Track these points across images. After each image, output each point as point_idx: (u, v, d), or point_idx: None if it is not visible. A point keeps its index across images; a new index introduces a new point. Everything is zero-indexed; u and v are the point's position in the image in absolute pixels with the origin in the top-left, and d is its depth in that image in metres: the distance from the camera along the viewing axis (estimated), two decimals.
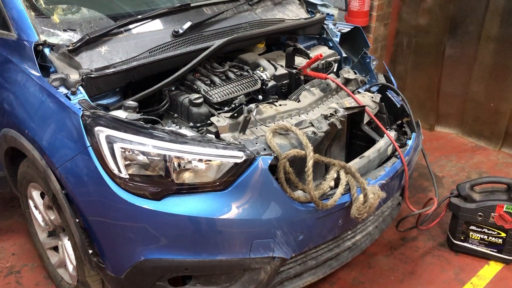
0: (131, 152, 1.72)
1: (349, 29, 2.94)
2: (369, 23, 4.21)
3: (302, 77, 2.54)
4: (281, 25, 2.62)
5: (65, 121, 1.85)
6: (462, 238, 2.64)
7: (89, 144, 1.75)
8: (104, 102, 2.11)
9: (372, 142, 2.39)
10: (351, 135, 2.53)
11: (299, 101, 2.25)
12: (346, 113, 2.15)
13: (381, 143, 2.35)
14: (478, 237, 2.61)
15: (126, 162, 1.72)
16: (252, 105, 2.01)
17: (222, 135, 1.95)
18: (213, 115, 2.17)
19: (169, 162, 1.72)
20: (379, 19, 4.22)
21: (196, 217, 1.71)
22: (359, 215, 1.87)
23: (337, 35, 2.92)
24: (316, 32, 2.92)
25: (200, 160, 1.73)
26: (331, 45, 2.94)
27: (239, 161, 1.73)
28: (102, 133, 1.74)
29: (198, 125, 2.12)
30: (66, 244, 2.17)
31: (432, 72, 4.05)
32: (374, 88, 2.74)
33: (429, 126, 4.20)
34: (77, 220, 1.85)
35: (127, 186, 1.71)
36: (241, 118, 1.98)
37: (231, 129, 1.99)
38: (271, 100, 2.20)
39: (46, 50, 2.05)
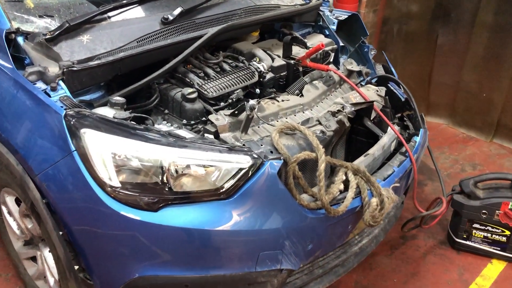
0: (123, 157, 1.52)
1: (346, 16, 2.77)
2: (358, 9, 4.05)
3: (300, 69, 2.37)
4: (277, 12, 2.43)
5: (45, 121, 1.63)
6: (464, 236, 2.55)
7: (74, 148, 1.53)
8: (87, 98, 1.90)
9: (374, 137, 2.25)
10: (351, 130, 2.38)
11: (302, 95, 2.08)
12: (353, 109, 1.99)
13: (384, 140, 2.20)
14: (481, 235, 2.52)
15: (118, 166, 1.52)
16: (254, 101, 1.83)
17: (222, 135, 1.77)
18: (208, 111, 1.98)
19: (167, 169, 1.52)
20: (368, 5, 4.07)
21: (197, 230, 1.53)
22: (375, 223, 1.73)
23: (334, 23, 2.75)
24: (312, 19, 2.74)
25: (200, 165, 1.55)
26: (327, 33, 2.77)
27: (245, 166, 1.55)
28: (89, 135, 1.53)
29: (192, 122, 1.94)
30: (47, 256, 1.95)
31: (424, 61, 3.94)
32: (373, 80, 2.59)
33: None
34: (60, 232, 1.64)
35: (119, 195, 1.51)
36: (242, 116, 1.79)
37: (232, 128, 1.80)
38: (273, 95, 2.02)
39: (20, 39, 1.82)
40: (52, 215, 1.65)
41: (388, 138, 2.22)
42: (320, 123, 1.85)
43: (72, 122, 1.55)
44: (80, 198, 1.56)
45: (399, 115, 2.61)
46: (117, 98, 1.80)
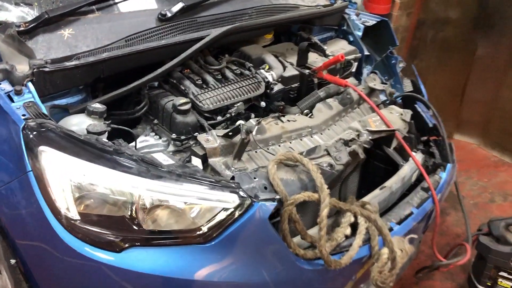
0: (84, 184, 1.27)
1: (374, 22, 2.45)
2: (390, 11, 3.70)
3: (315, 80, 2.08)
4: (295, 14, 2.13)
5: (3, 131, 1.39)
6: (488, 284, 2.23)
7: (30, 168, 1.29)
8: (63, 101, 1.65)
9: (393, 164, 1.96)
10: (368, 153, 2.09)
11: (312, 115, 1.79)
12: (370, 137, 1.69)
13: (405, 170, 1.91)
14: (508, 285, 2.20)
15: (78, 194, 1.28)
16: (253, 121, 1.56)
17: (210, 160, 1.50)
18: (202, 125, 1.72)
19: (136, 203, 1.27)
20: (402, 7, 3.71)
21: (167, 278, 1.27)
22: (383, 284, 1.44)
23: (359, 29, 2.43)
24: (335, 23, 2.44)
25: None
26: (351, 39, 2.46)
27: (230, 206, 1.29)
28: (47, 155, 1.28)
29: (183, 137, 1.68)
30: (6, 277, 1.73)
31: (459, 73, 3.59)
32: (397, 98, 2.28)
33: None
34: (12, 261, 1.42)
35: (77, 229, 1.26)
36: (237, 139, 1.52)
37: (223, 152, 1.53)
38: (277, 114, 1.73)
39: None
40: (5, 240, 1.42)
41: (409, 168, 1.93)
42: (328, 154, 1.57)
43: (30, 137, 1.30)
44: (32, 227, 1.32)
45: (425, 138, 2.30)
46: (96, 106, 1.56)
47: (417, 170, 1.95)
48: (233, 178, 1.40)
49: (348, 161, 1.57)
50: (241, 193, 1.30)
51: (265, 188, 1.39)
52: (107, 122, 1.54)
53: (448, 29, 3.58)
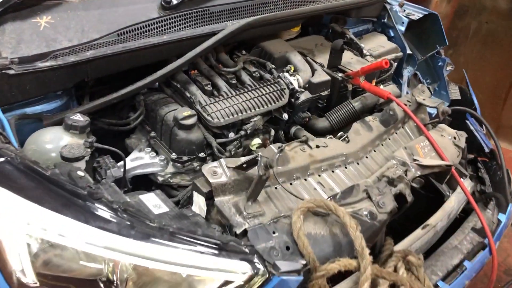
0: (45, 240, 0.95)
1: (421, 16, 2.06)
2: None
3: (349, 86, 1.72)
4: (329, 4, 1.76)
5: None
6: None
7: None
8: (37, 109, 1.32)
9: (436, 192, 1.62)
10: None
11: (347, 139, 1.43)
12: (419, 173, 1.34)
13: (452, 203, 1.57)
14: None
15: (37, 249, 0.95)
16: (274, 148, 1.23)
17: (217, 200, 1.17)
18: (209, 144, 1.39)
19: (115, 271, 0.95)
20: None
21: None
22: None
23: (403, 22, 2.05)
24: (375, 14, 2.06)
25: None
26: (391, 34, 2.08)
27: (239, 279, 0.96)
28: None
29: (185, 158, 1.35)
30: None
31: (504, 71, 3.20)
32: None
33: None
34: None
35: None
36: (253, 172, 1.18)
37: (235, 188, 1.19)
38: (304, 138, 1.37)
39: None
40: None
41: (456, 200, 1.59)
42: (369, 197, 1.22)
43: None
44: None
45: (472, 157, 1.95)
46: (76, 118, 1.23)
47: (465, 201, 1.62)
48: (245, 232, 1.07)
49: (393, 208, 1.22)
50: (256, 261, 0.97)
51: (287, 248, 1.05)
52: (90, 140, 1.20)
53: (495, 20, 3.17)
